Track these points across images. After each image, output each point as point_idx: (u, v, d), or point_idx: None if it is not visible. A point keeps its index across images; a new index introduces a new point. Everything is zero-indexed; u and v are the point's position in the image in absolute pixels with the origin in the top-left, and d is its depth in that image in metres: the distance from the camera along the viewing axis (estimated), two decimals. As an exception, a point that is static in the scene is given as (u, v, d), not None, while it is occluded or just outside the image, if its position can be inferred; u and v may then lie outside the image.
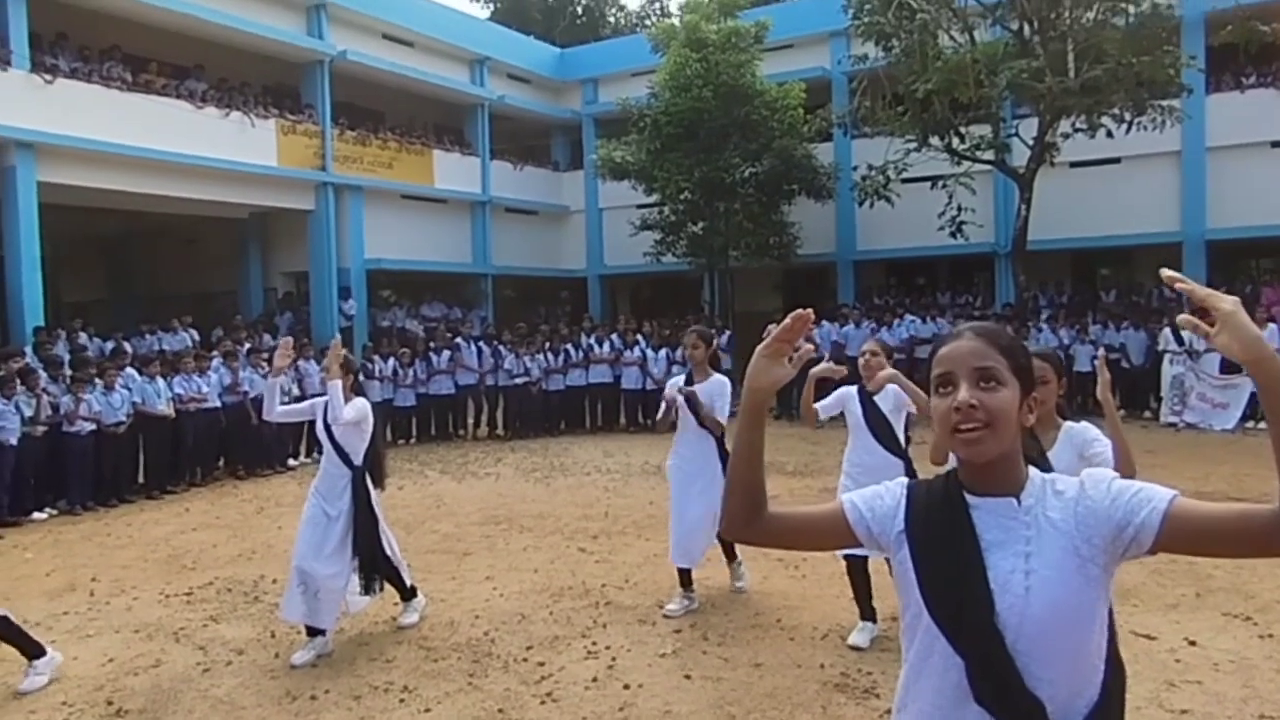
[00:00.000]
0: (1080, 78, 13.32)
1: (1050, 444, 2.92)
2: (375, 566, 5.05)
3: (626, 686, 4.36)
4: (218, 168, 15.11)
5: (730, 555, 5.75)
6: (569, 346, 14.27)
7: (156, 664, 4.86)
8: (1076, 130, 14.48)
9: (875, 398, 4.76)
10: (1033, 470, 1.54)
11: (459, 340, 14.33)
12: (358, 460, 5.00)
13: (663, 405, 5.50)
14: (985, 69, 13.92)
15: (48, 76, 13.08)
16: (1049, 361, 2.96)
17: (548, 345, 14.18)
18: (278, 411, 5.28)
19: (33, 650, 4.59)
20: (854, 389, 4.82)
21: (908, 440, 4.89)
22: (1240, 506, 1.38)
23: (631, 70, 21.07)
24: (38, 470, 9.11)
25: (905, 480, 1.65)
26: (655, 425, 5.83)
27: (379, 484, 5.15)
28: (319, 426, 5.05)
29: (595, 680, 4.45)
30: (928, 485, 1.60)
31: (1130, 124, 14.03)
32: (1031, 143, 14.84)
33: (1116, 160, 16.68)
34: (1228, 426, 12.10)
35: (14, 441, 8.76)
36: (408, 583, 5.36)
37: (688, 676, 4.46)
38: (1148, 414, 13.30)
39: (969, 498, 1.53)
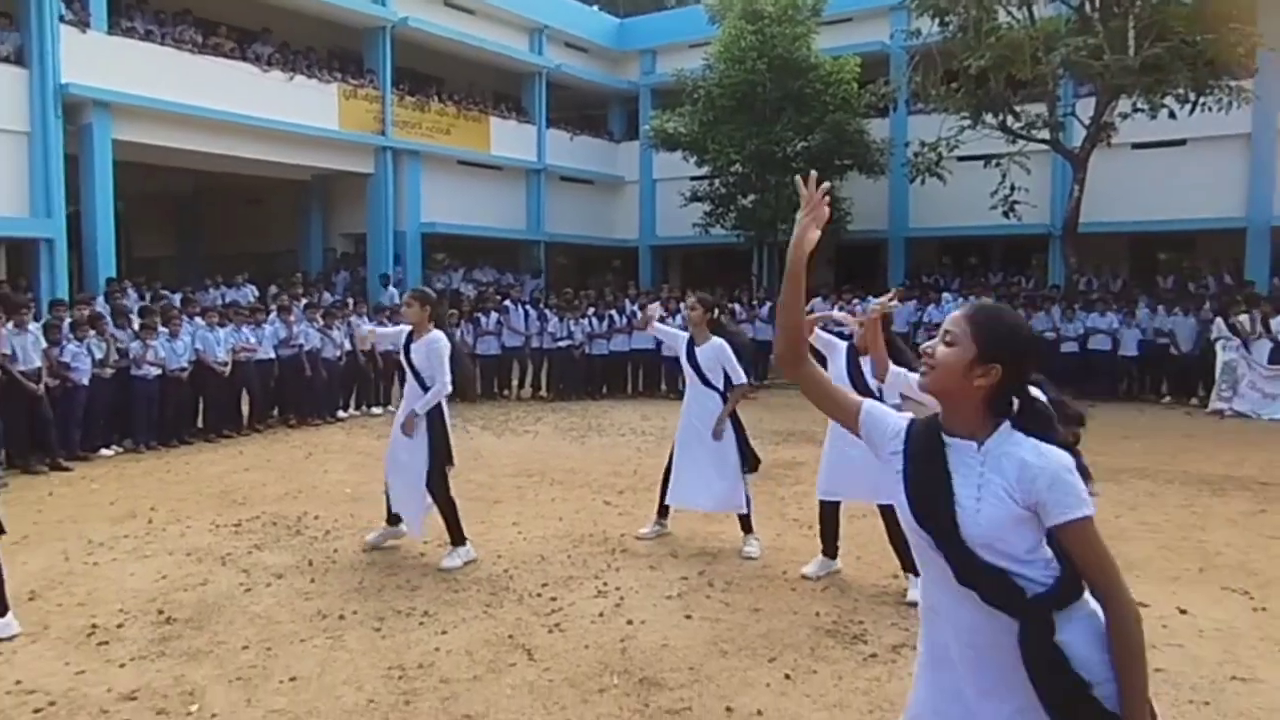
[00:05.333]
0: (1140, 55, 13.04)
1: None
2: (440, 484, 5.62)
3: (630, 622, 4.64)
4: (281, 130, 15.65)
5: (747, 529, 5.91)
6: (613, 313, 14.53)
7: (204, 583, 5.29)
8: (1137, 110, 14.19)
9: (861, 359, 4.98)
10: (1006, 428, 1.91)
11: (507, 303, 14.69)
12: (431, 384, 5.56)
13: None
14: (1042, 45, 13.70)
15: (121, 37, 13.68)
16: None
17: (592, 310, 14.46)
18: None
19: None
20: (844, 345, 5.12)
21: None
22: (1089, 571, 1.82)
23: (690, 41, 21.09)
24: (106, 410, 9.68)
25: (909, 415, 2.05)
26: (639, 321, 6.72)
27: (466, 398, 5.76)
28: (401, 354, 5.76)
29: (601, 615, 4.74)
30: (923, 423, 2.02)
31: (1194, 105, 13.71)
32: (1088, 122, 14.59)
33: (1182, 142, 16.30)
34: (1277, 416, 11.90)
35: (85, 382, 9.32)
36: (462, 528, 5.66)
37: (688, 616, 4.72)
38: (1194, 401, 13.10)
39: (945, 437, 1.96)
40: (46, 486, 7.95)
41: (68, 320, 9.53)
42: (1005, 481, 1.85)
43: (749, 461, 5.91)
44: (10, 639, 4.38)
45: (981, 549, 1.84)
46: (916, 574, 4.85)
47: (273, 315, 11.64)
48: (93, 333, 9.58)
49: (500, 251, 20.97)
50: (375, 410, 12.26)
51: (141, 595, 5.06)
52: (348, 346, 12.11)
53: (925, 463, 1.95)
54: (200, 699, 3.77)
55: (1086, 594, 1.87)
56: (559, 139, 21.78)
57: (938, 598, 1.97)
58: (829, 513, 5.38)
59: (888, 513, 4.94)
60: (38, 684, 3.90)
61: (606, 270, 22.32)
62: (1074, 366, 13.84)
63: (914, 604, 4.76)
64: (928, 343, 1.99)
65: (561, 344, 14.16)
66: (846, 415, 2.10)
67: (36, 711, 3.65)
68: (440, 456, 5.64)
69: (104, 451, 9.50)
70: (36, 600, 4.97)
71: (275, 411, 11.54)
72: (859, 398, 2.12)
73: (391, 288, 16.46)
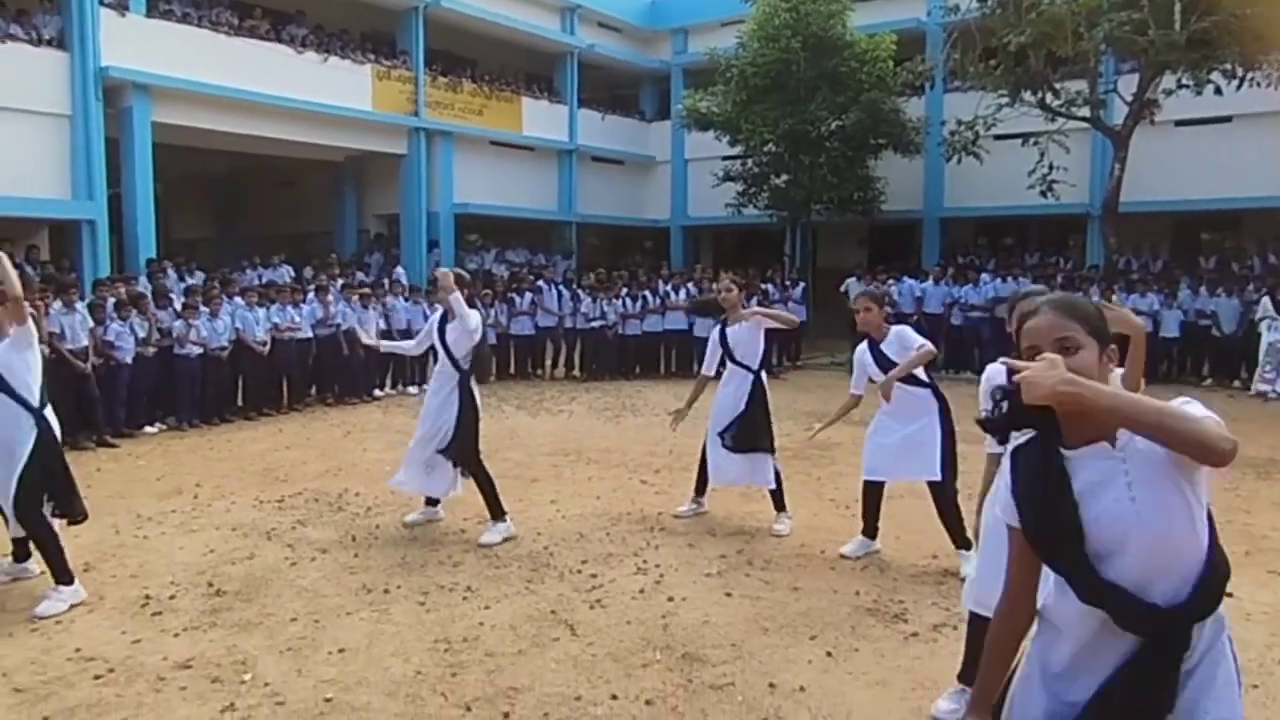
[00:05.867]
0: (1187, 30, 12.73)
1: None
2: (468, 458, 5.69)
3: (670, 599, 4.67)
4: (315, 111, 15.76)
5: (779, 507, 5.98)
6: (646, 293, 14.53)
7: (250, 556, 5.39)
8: (1181, 87, 13.88)
9: (881, 346, 5.16)
10: None
11: (540, 283, 14.74)
12: (465, 365, 5.68)
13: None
14: (1085, 21, 13.42)
15: (159, 20, 13.82)
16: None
17: (625, 291, 14.47)
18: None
19: (62, 576, 4.59)
20: (864, 346, 5.25)
21: (930, 380, 5.21)
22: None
23: (722, 20, 20.88)
24: (150, 388, 9.86)
25: (1010, 450, 1.87)
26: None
27: (483, 380, 5.88)
28: (434, 337, 5.79)
29: (642, 592, 4.77)
30: (1028, 452, 1.83)
31: (1242, 80, 13.38)
32: (1131, 99, 14.29)
33: (1227, 119, 15.93)
34: (1322, 398, 11.68)
35: (128, 361, 9.51)
36: (501, 503, 5.73)
37: (728, 594, 4.75)
38: (1237, 384, 12.87)
39: (1066, 453, 1.76)
40: (94, 463, 8.12)
41: (111, 300, 9.71)
42: (1147, 448, 1.68)
43: (769, 440, 5.97)
44: (80, 604, 4.56)
45: (1131, 562, 1.69)
46: (968, 548, 4.90)
47: (310, 295, 11.76)
48: (135, 312, 9.75)
49: (532, 232, 21.01)
50: (411, 390, 12.38)
51: (191, 568, 5.18)
52: (383, 325, 12.20)
53: (1042, 498, 1.77)
54: (252, 668, 3.85)
55: (1222, 608, 1.77)
56: (591, 119, 21.73)
57: (1060, 612, 1.80)
58: (872, 493, 5.38)
59: (937, 490, 5.03)
60: (97, 651, 4.01)
61: (638, 250, 22.29)
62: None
63: (964, 579, 4.78)
64: (1040, 358, 1.67)
65: (595, 324, 14.20)
66: (1031, 555, 1.84)
67: (97, 678, 3.76)
68: (467, 426, 5.65)
69: (148, 429, 9.69)
70: (91, 572, 5.10)
71: (313, 390, 11.70)
72: (1011, 540, 1.87)
73: (399, 268, 16.56)
